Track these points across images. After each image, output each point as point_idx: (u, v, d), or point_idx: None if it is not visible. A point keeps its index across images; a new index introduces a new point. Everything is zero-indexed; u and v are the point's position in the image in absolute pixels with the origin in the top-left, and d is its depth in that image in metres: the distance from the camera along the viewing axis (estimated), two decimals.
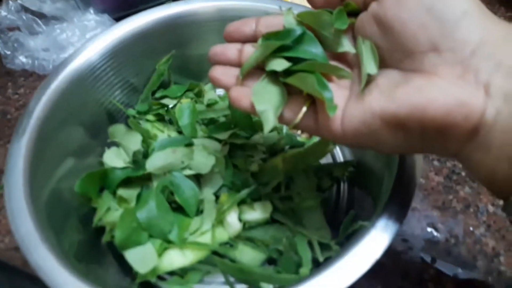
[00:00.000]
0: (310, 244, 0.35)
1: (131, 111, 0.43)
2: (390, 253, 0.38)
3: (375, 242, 0.27)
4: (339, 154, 0.44)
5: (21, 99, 0.52)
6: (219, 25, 0.44)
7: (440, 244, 0.39)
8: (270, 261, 0.37)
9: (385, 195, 0.31)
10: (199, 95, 0.47)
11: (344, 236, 0.34)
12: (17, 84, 0.53)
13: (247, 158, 0.39)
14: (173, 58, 0.45)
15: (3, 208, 0.43)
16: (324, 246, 0.34)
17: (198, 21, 0.44)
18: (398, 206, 0.29)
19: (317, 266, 0.34)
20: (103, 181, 0.39)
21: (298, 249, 0.34)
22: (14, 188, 0.32)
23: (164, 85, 0.46)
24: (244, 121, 0.40)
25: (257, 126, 0.41)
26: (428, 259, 0.38)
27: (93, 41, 0.40)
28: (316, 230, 0.35)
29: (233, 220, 0.36)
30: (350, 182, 0.42)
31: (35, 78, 0.53)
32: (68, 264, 0.29)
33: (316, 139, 0.44)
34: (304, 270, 0.32)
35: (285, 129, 0.44)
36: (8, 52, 0.53)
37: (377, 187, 0.36)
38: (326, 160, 0.43)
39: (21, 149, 0.34)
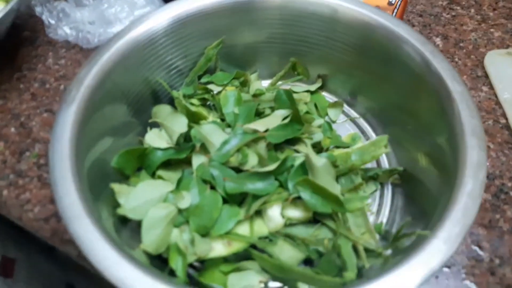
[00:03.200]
0: (354, 248, 0.33)
1: (176, 93, 0.41)
2: None
3: (436, 254, 0.26)
4: (385, 160, 0.42)
5: (61, 70, 0.51)
6: (276, 15, 0.43)
7: (484, 263, 0.37)
8: (306, 261, 0.36)
9: (442, 207, 0.30)
10: (245, 84, 0.46)
11: (395, 243, 0.32)
12: (58, 55, 0.52)
13: (292, 153, 0.38)
14: (222, 44, 0.44)
15: (35, 178, 0.43)
16: (370, 252, 0.33)
17: (254, 9, 0.42)
18: (461, 220, 0.27)
19: (360, 272, 0.32)
20: (142, 160, 0.38)
21: (342, 252, 0.32)
22: (60, 157, 0.31)
23: (209, 71, 0.45)
24: (292, 115, 0.39)
25: (305, 120, 0.40)
26: (471, 279, 0.36)
27: (148, 17, 0.39)
28: (361, 234, 0.34)
29: (275, 214, 0.35)
30: (395, 189, 0.40)
31: (77, 51, 0.52)
32: (109, 238, 0.28)
33: (362, 142, 0.42)
34: (350, 274, 0.31)
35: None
36: (53, 22, 0.52)
37: (429, 198, 0.34)
38: (370, 165, 0.42)
39: (69, 118, 0.33)
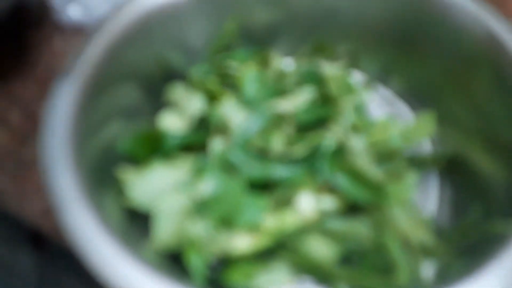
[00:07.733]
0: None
1: (191, 71, 0.37)
2: None
3: None
4: (428, 143, 0.37)
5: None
6: None
7: None
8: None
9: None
10: (265, 63, 0.41)
11: (463, 240, 0.27)
12: (65, 38, 0.48)
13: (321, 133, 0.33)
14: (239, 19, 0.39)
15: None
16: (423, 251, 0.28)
17: None
18: None
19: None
20: (156, 145, 0.34)
21: (389, 250, 0.27)
22: (55, 128, 0.26)
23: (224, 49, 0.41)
24: (321, 95, 0.34)
25: (335, 99, 0.35)
26: None
27: None
28: (413, 230, 0.29)
29: (306, 203, 0.30)
30: (441, 178, 0.35)
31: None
32: (112, 231, 0.24)
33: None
34: (402, 276, 0.25)
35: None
36: (61, 3, 0.49)
37: (488, 187, 0.29)
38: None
39: (68, 88, 0.28)
